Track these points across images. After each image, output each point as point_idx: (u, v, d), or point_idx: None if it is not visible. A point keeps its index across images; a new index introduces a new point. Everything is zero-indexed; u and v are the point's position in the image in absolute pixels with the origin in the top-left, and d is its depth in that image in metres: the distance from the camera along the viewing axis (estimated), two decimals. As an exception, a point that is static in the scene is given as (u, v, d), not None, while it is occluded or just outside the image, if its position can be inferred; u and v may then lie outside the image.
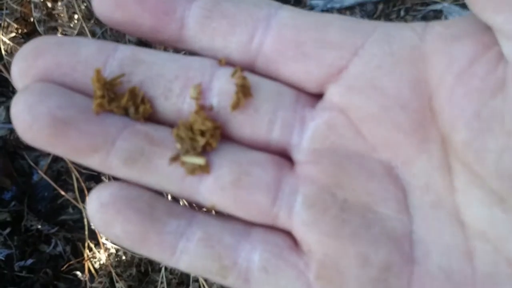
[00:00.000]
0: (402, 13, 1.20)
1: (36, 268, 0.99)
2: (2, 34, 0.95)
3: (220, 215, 0.28)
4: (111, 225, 0.26)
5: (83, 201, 0.97)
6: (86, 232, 0.93)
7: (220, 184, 0.27)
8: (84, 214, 0.94)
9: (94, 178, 1.04)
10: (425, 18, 1.18)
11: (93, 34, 0.95)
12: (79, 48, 0.27)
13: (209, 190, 0.27)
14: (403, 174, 0.27)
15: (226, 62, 0.28)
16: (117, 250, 0.90)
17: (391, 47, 0.26)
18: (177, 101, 0.27)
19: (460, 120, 0.25)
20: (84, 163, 0.27)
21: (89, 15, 0.96)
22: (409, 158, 0.27)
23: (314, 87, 0.28)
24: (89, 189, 1.00)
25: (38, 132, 0.25)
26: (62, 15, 0.91)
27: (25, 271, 0.98)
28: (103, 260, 0.90)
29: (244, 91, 0.27)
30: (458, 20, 0.26)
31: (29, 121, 0.25)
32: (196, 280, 0.87)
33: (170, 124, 0.28)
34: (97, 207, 0.26)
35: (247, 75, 0.27)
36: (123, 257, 0.90)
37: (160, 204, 0.27)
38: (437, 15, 1.18)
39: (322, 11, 1.24)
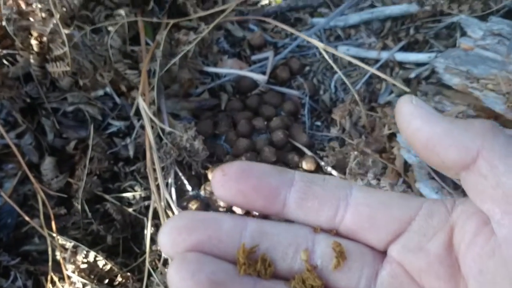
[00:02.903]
0: (411, 31, 1.11)
1: (-10, 306, 0.85)
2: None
3: None
4: None
5: (50, 228, 0.84)
6: (50, 263, 0.79)
7: None
8: (48, 243, 0.81)
9: (64, 203, 0.92)
10: (438, 36, 1.08)
11: (70, 39, 0.85)
12: (221, 224, 0.36)
13: None
14: None
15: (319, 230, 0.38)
16: (83, 285, 0.77)
17: (432, 221, 0.37)
18: (290, 262, 0.37)
19: (470, 275, 0.35)
20: None
21: (67, 17, 0.86)
22: None
23: (382, 247, 0.38)
24: (56, 216, 0.87)
25: None
26: (35, 13, 0.81)
27: (-23, 310, 0.84)
28: (67, 297, 0.76)
29: (341, 256, 0.36)
30: (470, 202, 0.35)
31: (192, 285, 0.33)
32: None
33: (283, 278, 0.37)
34: None
35: (339, 240, 0.37)
36: (90, 293, 0.76)
37: None
38: (451, 32, 1.08)
39: (325, 30, 1.15)
